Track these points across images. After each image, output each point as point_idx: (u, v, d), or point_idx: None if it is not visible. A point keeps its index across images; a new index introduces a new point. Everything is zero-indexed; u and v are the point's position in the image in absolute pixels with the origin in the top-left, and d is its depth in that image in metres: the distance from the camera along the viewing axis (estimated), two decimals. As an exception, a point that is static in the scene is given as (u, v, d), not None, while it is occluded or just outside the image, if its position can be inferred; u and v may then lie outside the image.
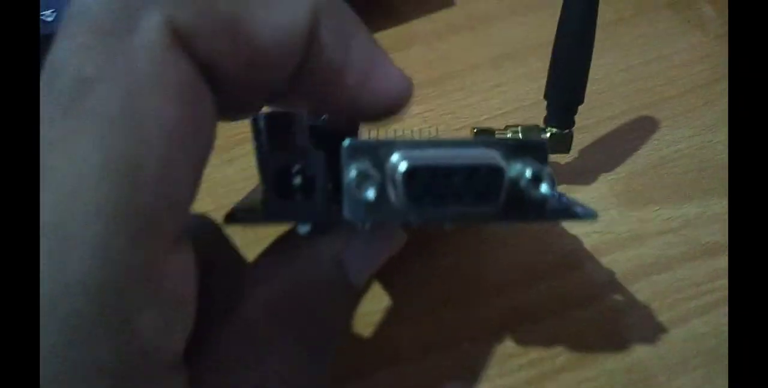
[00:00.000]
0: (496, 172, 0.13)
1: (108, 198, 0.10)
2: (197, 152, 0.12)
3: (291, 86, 0.13)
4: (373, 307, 0.22)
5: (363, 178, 0.13)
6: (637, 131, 0.28)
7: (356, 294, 0.16)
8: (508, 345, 0.21)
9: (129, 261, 0.11)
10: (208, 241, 0.16)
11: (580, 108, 0.23)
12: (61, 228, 0.10)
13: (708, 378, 0.21)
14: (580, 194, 0.25)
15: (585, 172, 0.26)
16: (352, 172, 0.13)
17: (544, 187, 0.13)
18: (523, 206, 0.14)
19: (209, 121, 0.12)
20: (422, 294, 0.22)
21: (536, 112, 0.24)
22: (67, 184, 0.10)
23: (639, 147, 0.27)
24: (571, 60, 0.22)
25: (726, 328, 0.22)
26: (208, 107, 0.12)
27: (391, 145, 0.13)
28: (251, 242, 0.17)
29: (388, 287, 0.23)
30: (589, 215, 0.15)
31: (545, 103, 0.23)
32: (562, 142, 0.23)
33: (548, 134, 0.23)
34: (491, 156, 0.13)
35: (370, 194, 0.13)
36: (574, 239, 0.24)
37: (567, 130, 0.23)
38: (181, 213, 0.12)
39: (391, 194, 0.13)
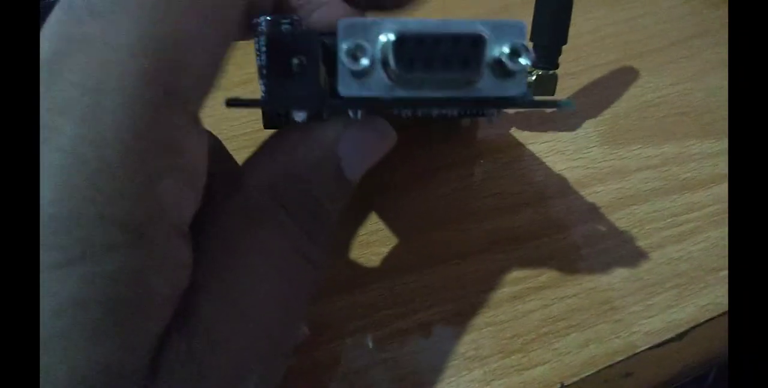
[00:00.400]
0: (478, 39, 0.14)
1: (142, 67, 0.11)
2: (224, 39, 0.13)
3: None
4: (368, 229, 0.24)
5: (356, 48, 0.14)
6: (621, 78, 0.29)
7: (349, 185, 0.16)
8: (495, 263, 0.23)
9: (155, 128, 0.12)
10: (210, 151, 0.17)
11: (569, 56, 0.24)
12: (96, 91, 0.11)
13: (680, 297, 0.22)
14: (565, 135, 0.27)
15: (571, 115, 0.28)
16: (346, 44, 0.14)
17: (522, 59, 0.14)
18: (505, 81, 0.15)
19: (239, 11, 0.13)
20: (414, 218, 0.24)
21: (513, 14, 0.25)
22: (106, 50, 0.11)
23: (623, 93, 0.28)
24: (555, 3, 0.23)
25: (698, 253, 0.23)
26: None
27: (382, 24, 0.14)
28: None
29: (383, 211, 0.24)
30: (567, 105, 0.16)
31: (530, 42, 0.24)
32: (548, 83, 0.24)
33: (533, 76, 0.24)
34: (475, 26, 0.14)
35: (364, 62, 0.14)
36: (559, 173, 0.25)
37: (552, 72, 0.24)
38: (203, 91, 0.13)
39: (381, 70, 0.14)
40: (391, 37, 0.14)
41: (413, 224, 0.24)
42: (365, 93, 0.14)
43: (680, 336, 0.21)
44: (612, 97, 0.28)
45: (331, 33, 0.15)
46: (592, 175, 0.25)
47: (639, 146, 0.26)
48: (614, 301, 0.22)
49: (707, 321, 0.22)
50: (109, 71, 0.11)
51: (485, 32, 0.14)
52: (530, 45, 0.23)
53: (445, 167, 0.25)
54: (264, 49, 0.15)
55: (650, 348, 0.21)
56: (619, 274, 0.23)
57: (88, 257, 0.11)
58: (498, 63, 0.14)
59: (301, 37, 0.15)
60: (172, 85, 0.12)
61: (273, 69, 0.15)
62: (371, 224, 0.24)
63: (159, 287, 0.12)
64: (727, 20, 0.32)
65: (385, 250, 0.23)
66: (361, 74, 0.14)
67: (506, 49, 0.14)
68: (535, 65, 0.24)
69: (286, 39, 0.15)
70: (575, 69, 0.29)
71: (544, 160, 0.26)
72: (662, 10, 0.33)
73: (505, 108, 0.16)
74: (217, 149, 0.18)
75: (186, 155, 0.12)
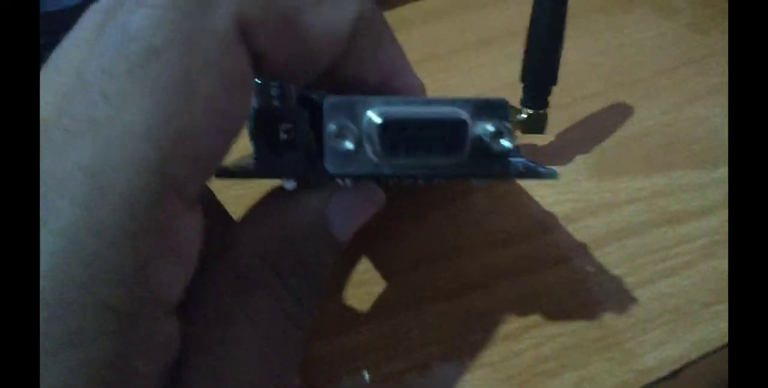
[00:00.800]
0: (461, 124, 0.15)
1: (148, 156, 0.11)
2: (231, 130, 0.13)
3: (326, 75, 0.15)
4: (360, 267, 0.23)
5: (342, 130, 0.14)
6: (609, 109, 0.29)
7: (338, 246, 0.17)
8: (487, 300, 0.23)
9: (153, 216, 0.12)
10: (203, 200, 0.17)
11: (557, 87, 0.25)
12: (99, 175, 0.11)
13: (672, 334, 0.22)
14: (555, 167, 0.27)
15: (560, 148, 0.28)
16: (332, 126, 0.14)
17: (504, 141, 0.15)
18: (488, 159, 0.15)
19: (246, 103, 0.13)
20: (405, 254, 0.24)
21: (515, 92, 0.25)
22: (114, 135, 0.11)
23: (611, 124, 0.29)
24: (543, 44, 0.24)
25: (689, 288, 0.23)
26: (248, 92, 0.13)
27: (367, 102, 0.14)
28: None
29: (372, 247, 0.24)
30: (550, 174, 0.17)
31: (521, 82, 0.25)
32: (537, 122, 0.25)
33: (524, 115, 0.24)
34: (456, 111, 0.15)
35: (348, 144, 0.14)
36: (549, 207, 0.25)
37: (542, 111, 0.25)
38: (204, 180, 0.13)
39: (367, 147, 0.14)
40: (376, 120, 0.14)
41: (405, 262, 0.24)
42: (352, 171, 0.15)
43: (674, 374, 0.21)
44: (600, 129, 0.28)
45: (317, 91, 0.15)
46: (583, 209, 0.25)
47: (628, 178, 0.26)
48: (606, 338, 0.22)
49: (701, 358, 0.22)
50: (113, 156, 0.11)
51: (466, 115, 0.14)
52: (522, 115, 0.24)
53: (436, 204, 0.25)
54: (253, 117, 0.15)
55: (644, 387, 0.21)
56: (611, 310, 0.23)
57: (77, 345, 0.11)
58: (481, 142, 0.15)
59: (289, 109, 0.15)
60: (173, 174, 0.12)
61: (261, 139, 0.15)
62: (363, 262, 0.24)
63: (145, 368, 0.12)
64: (714, 48, 0.32)
65: (378, 289, 0.23)
66: (347, 154, 0.14)
67: (489, 129, 0.14)
68: (524, 105, 0.24)
69: (274, 111, 0.15)
70: (562, 100, 0.29)
71: (534, 194, 0.26)
72: (648, 38, 0.33)
73: (490, 179, 0.16)
74: (208, 203, 0.18)
75: (180, 239, 0.12)
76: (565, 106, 0.29)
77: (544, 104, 0.24)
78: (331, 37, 0.14)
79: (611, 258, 0.24)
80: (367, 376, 0.21)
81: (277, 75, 0.14)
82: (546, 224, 0.25)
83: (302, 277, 0.15)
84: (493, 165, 0.15)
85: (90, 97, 0.12)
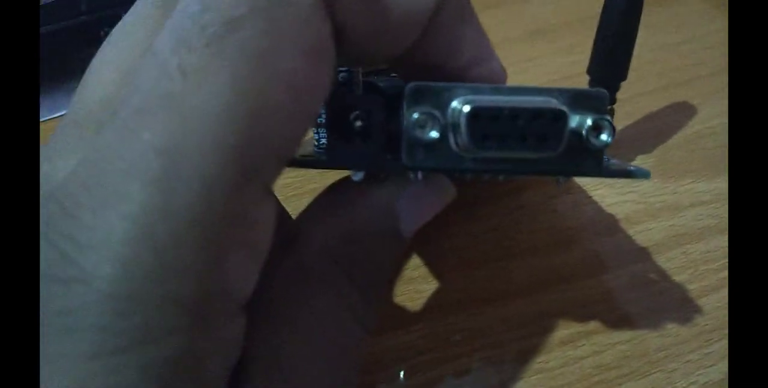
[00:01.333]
0: (560, 115, 0.13)
1: (227, 138, 0.10)
2: (313, 109, 0.12)
3: (405, 56, 0.14)
4: (410, 263, 0.22)
5: (426, 119, 0.13)
6: (669, 107, 0.28)
7: (403, 243, 0.16)
8: (542, 304, 0.22)
9: (231, 203, 0.11)
10: None
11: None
12: (175, 156, 0.10)
13: (738, 345, 0.21)
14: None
15: (619, 146, 0.26)
16: (415, 113, 0.13)
17: (604, 136, 0.14)
18: (582, 156, 0.14)
19: (328, 80, 0.12)
20: (456, 252, 0.23)
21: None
22: (191, 113, 0.10)
23: (672, 122, 0.27)
24: (617, 35, 0.22)
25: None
26: (332, 69, 0.12)
27: (453, 89, 0.13)
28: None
29: (423, 243, 0.23)
30: (643, 174, 0.15)
31: (577, 78, 0.23)
32: None
33: None
34: (553, 101, 0.13)
35: (433, 134, 0.13)
36: (609, 208, 0.24)
37: (610, 107, 0.23)
38: (282, 165, 0.12)
39: (451, 138, 0.13)
40: (465, 108, 0.13)
41: (455, 261, 0.23)
42: (431, 164, 0.13)
43: (741, 389, 0.20)
44: (660, 128, 0.27)
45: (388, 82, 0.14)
46: (644, 211, 0.24)
47: (691, 180, 0.25)
48: (669, 348, 0.21)
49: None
50: (189, 135, 0.10)
51: (565, 106, 0.13)
52: (611, 110, 0.22)
53: (491, 199, 0.24)
54: (325, 110, 0.14)
55: (710, 402, 0.20)
56: (674, 319, 0.21)
57: (147, 342, 0.10)
58: (576, 136, 0.13)
59: (364, 96, 0.14)
60: (252, 158, 0.11)
61: (333, 128, 0.14)
62: (414, 256, 0.23)
63: (215, 369, 0.11)
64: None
65: (427, 287, 0.22)
66: (428, 145, 0.13)
67: (588, 123, 0.13)
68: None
69: (348, 98, 0.14)
70: (619, 96, 0.28)
71: (593, 193, 0.24)
72: (707, 35, 0.31)
73: (579, 177, 0.15)
74: None
75: (256, 230, 0.11)
76: (623, 103, 0.28)
77: (612, 100, 0.22)
78: (415, 10, 0.13)
79: (674, 264, 0.23)
80: (402, 376, 0.20)
81: (355, 53, 0.13)
82: (604, 225, 0.24)
83: (369, 275, 0.14)
84: (587, 162, 0.14)
85: (165, 71, 0.11)
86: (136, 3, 0.14)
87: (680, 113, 0.28)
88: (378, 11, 0.12)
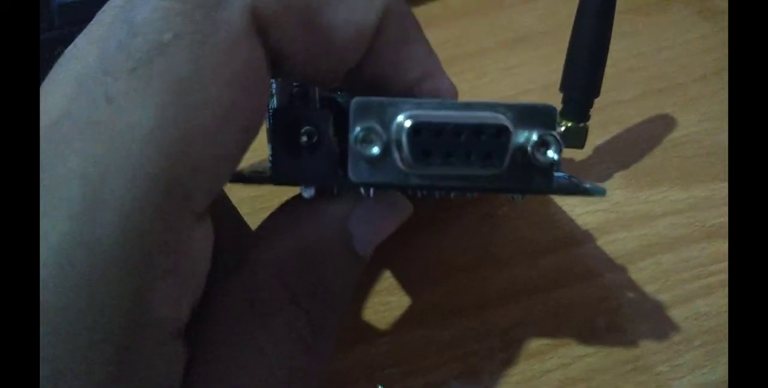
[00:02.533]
0: (503, 132, 0.13)
1: (151, 164, 0.10)
2: (245, 133, 0.12)
3: (352, 74, 0.14)
4: (375, 275, 0.22)
5: (368, 134, 0.13)
6: (647, 115, 0.28)
7: (360, 262, 0.15)
8: (512, 316, 0.21)
9: (156, 231, 0.11)
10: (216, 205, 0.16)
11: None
12: (98, 183, 0.10)
13: (710, 357, 0.21)
14: (586, 173, 0.25)
15: (593, 153, 0.26)
16: (358, 129, 0.13)
17: (550, 152, 0.13)
18: (530, 172, 0.14)
19: (262, 106, 0.12)
20: (424, 263, 0.23)
21: (546, 96, 0.24)
22: (115, 140, 0.10)
23: (648, 130, 0.27)
24: (588, 54, 0.22)
25: (727, 309, 0.22)
26: (265, 92, 0.12)
27: (398, 105, 0.13)
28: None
29: (390, 254, 0.23)
30: (598, 191, 0.15)
31: (556, 87, 0.23)
32: (578, 136, 0.23)
33: (563, 128, 0.23)
34: (497, 116, 0.13)
35: (375, 150, 0.13)
36: (580, 217, 0.24)
37: (582, 124, 0.23)
38: (213, 192, 0.12)
39: (396, 154, 0.13)
40: (406, 123, 0.13)
41: (424, 271, 0.23)
42: (377, 179, 0.13)
43: (710, 402, 0.20)
44: (636, 135, 0.27)
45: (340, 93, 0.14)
46: (616, 220, 0.24)
47: (665, 189, 0.25)
48: (638, 360, 0.21)
49: (739, 385, 0.20)
50: (114, 163, 0.10)
51: (509, 122, 0.13)
52: (561, 128, 0.22)
53: (459, 209, 0.24)
54: (271, 125, 0.14)
55: (677, 415, 0.20)
56: (643, 330, 0.21)
57: (67, 377, 0.10)
58: (522, 153, 0.13)
59: (311, 110, 0.14)
60: (179, 183, 0.11)
61: (278, 143, 0.13)
62: (379, 268, 0.23)
63: None
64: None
65: (393, 299, 0.22)
66: (372, 160, 0.13)
67: (534, 138, 0.13)
68: (564, 118, 0.23)
69: (295, 112, 0.14)
70: (598, 104, 0.28)
71: (563, 203, 0.24)
72: (686, 43, 0.31)
73: (529, 194, 0.14)
74: (219, 205, 0.17)
75: (186, 257, 0.11)
76: (599, 111, 0.27)
77: (586, 117, 0.22)
78: (355, 32, 0.13)
79: (645, 274, 0.23)
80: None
81: (296, 74, 0.13)
82: (575, 236, 0.24)
83: (322, 300, 0.14)
84: (535, 179, 0.14)
85: (92, 98, 0.11)
86: (89, 24, 0.14)
87: (656, 121, 0.27)
88: (316, 35, 0.12)
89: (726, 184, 0.25)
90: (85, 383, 0.10)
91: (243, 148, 0.12)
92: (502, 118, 0.13)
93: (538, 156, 0.13)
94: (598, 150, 0.26)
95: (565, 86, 0.23)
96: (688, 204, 0.25)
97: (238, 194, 0.18)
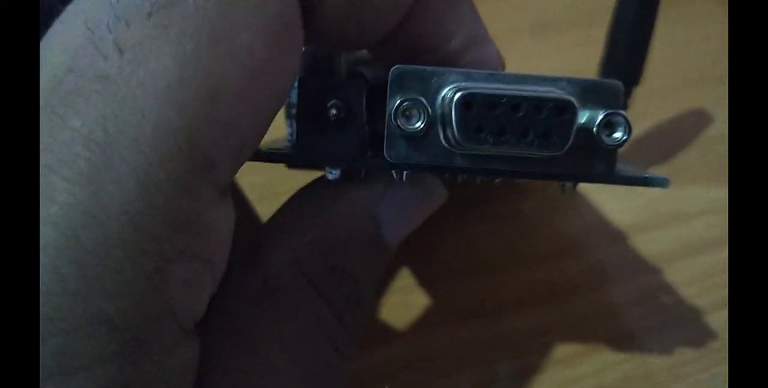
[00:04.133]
0: (568, 107, 0.12)
1: (170, 126, 0.09)
2: (276, 96, 0.10)
3: (389, 39, 0.12)
4: (394, 272, 0.21)
5: (410, 107, 0.11)
6: (682, 108, 0.26)
7: (390, 251, 0.14)
8: (538, 319, 0.20)
9: (175, 204, 0.09)
10: None
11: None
12: (106, 147, 0.09)
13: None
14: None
15: (627, 148, 0.25)
16: (398, 100, 0.11)
17: (618, 134, 0.12)
18: (591, 157, 0.12)
19: (295, 64, 0.11)
20: (447, 262, 0.21)
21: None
22: (126, 97, 0.09)
23: (683, 124, 0.26)
24: (631, 39, 0.21)
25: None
26: (298, 50, 0.11)
27: (445, 74, 0.12)
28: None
29: (411, 252, 0.21)
30: (660, 182, 0.14)
31: (585, 75, 0.22)
32: None
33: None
34: (560, 87, 0.12)
35: (418, 124, 0.11)
36: (613, 214, 0.23)
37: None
38: (240, 161, 0.10)
39: (440, 131, 0.12)
40: (456, 96, 0.11)
41: (445, 269, 0.21)
42: (417, 160, 0.12)
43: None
44: (671, 130, 0.25)
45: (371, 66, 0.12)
46: (650, 219, 0.22)
47: (701, 187, 0.24)
48: (675, 368, 0.19)
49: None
50: (125, 122, 0.09)
51: (573, 97, 0.11)
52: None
53: (485, 202, 0.22)
54: (297, 91, 0.12)
55: (718, 429, 0.18)
56: (680, 336, 0.20)
57: (68, 373, 0.08)
58: (585, 134, 0.12)
59: (341, 82, 0.12)
60: (203, 150, 0.09)
61: (304, 118, 0.12)
62: (398, 265, 0.21)
63: None
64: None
65: (412, 298, 0.20)
66: (413, 138, 0.12)
67: (599, 119, 0.12)
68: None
69: (322, 84, 0.12)
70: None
71: (595, 198, 0.23)
72: (719, 35, 0.30)
73: (587, 182, 0.13)
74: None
75: (207, 237, 0.10)
76: (631, 102, 0.26)
77: (624, 106, 0.21)
78: None
79: (681, 276, 0.21)
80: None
81: (330, 35, 0.12)
82: (607, 234, 0.22)
83: (347, 293, 0.13)
84: (598, 164, 0.12)
85: (101, 49, 0.09)
86: None
87: (693, 115, 0.26)
88: None
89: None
90: (89, 382, 0.09)
91: (273, 113, 0.11)
92: (566, 93, 0.12)
93: (605, 138, 0.12)
94: (631, 143, 0.25)
95: (603, 72, 0.21)
96: (725, 203, 0.23)
97: (243, 180, 0.17)
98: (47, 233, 0.08)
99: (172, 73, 0.09)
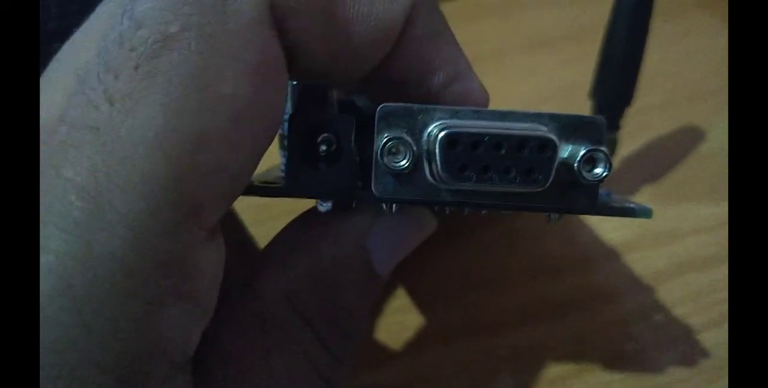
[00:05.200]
0: (548, 145, 0.12)
1: (158, 173, 0.09)
2: (262, 137, 0.11)
3: (375, 75, 0.13)
4: (389, 292, 0.21)
5: (396, 145, 0.12)
6: (675, 125, 0.26)
7: (379, 283, 0.14)
8: (532, 338, 0.20)
9: (164, 249, 0.09)
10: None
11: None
12: (97, 196, 0.09)
13: (741, 386, 0.19)
14: (613, 186, 0.24)
15: (619, 166, 0.25)
16: (385, 138, 0.12)
17: (599, 169, 0.12)
18: (573, 191, 0.12)
19: (279, 107, 0.11)
20: (441, 281, 0.21)
21: (569, 101, 0.23)
22: (116, 146, 0.09)
23: (676, 141, 0.26)
24: (623, 59, 0.21)
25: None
26: (282, 92, 0.11)
27: (430, 112, 0.12)
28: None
29: (405, 271, 0.21)
30: (644, 213, 0.14)
31: (579, 91, 0.22)
32: (608, 147, 0.22)
33: None
34: (541, 128, 0.12)
35: (403, 163, 0.12)
36: (605, 233, 0.23)
37: (612, 135, 0.22)
38: (227, 202, 0.11)
39: (426, 167, 0.12)
40: (440, 134, 0.11)
41: (440, 289, 0.21)
42: (404, 195, 0.12)
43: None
44: (663, 147, 0.26)
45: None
46: (643, 237, 0.23)
47: (694, 204, 0.24)
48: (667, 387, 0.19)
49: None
50: (115, 171, 0.09)
51: (554, 134, 0.12)
52: (613, 139, 0.21)
53: (480, 222, 0.23)
54: (287, 126, 0.12)
55: (709, 450, 0.18)
56: (672, 356, 0.20)
57: None
58: (567, 168, 0.12)
59: (331, 117, 0.12)
60: (190, 195, 0.09)
61: (294, 151, 0.12)
62: (393, 286, 0.21)
63: None
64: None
65: (407, 319, 0.20)
66: (400, 174, 0.12)
67: (580, 154, 0.12)
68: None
69: (313, 118, 0.12)
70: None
71: (587, 218, 0.23)
72: (716, 50, 0.30)
73: (569, 214, 0.13)
74: (230, 224, 0.15)
75: (196, 277, 0.10)
76: (624, 119, 0.26)
77: (616, 126, 0.21)
78: (380, 27, 0.12)
79: (673, 296, 0.21)
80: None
81: (315, 74, 0.12)
82: (600, 253, 0.22)
83: (338, 325, 0.13)
84: (579, 198, 0.12)
85: (91, 99, 0.09)
86: (89, 16, 0.13)
87: (686, 131, 0.26)
88: (336, 28, 0.11)
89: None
90: None
91: (259, 154, 0.11)
92: (546, 130, 0.12)
93: (585, 174, 0.12)
94: (624, 161, 0.25)
95: (596, 93, 0.21)
96: (718, 221, 0.23)
97: (240, 203, 0.17)
98: (48, 282, 0.09)
99: (160, 121, 0.09)
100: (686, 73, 0.29)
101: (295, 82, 0.14)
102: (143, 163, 0.09)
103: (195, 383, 0.11)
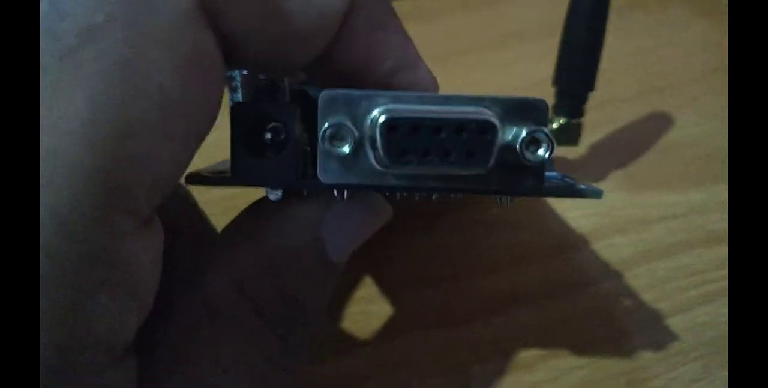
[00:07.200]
0: (488, 128, 0.12)
1: (84, 163, 0.09)
2: (194, 129, 0.11)
3: (319, 64, 0.13)
4: (354, 281, 0.21)
5: (338, 130, 0.12)
6: (644, 114, 0.27)
7: (335, 271, 0.14)
8: (500, 326, 0.20)
9: (93, 237, 0.09)
10: (175, 206, 0.15)
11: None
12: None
13: (707, 370, 0.20)
14: (581, 173, 0.24)
15: (588, 154, 0.25)
16: (326, 125, 0.12)
17: (541, 151, 0.12)
18: (518, 173, 0.13)
19: (214, 98, 0.11)
20: (407, 269, 0.22)
21: (541, 92, 0.23)
22: (45, 137, 0.09)
23: (646, 130, 0.26)
24: (583, 45, 0.21)
25: (727, 318, 0.21)
26: (217, 83, 0.11)
27: (372, 98, 0.12)
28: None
29: (371, 259, 0.22)
30: (594, 193, 0.14)
31: (550, 83, 0.22)
32: (571, 133, 0.22)
33: (556, 124, 0.22)
34: (483, 111, 0.12)
35: (345, 148, 0.12)
36: (573, 221, 0.23)
37: (576, 120, 0.22)
38: (159, 193, 0.11)
39: (369, 153, 0.12)
40: (381, 118, 0.12)
41: (408, 278, 0.21)
42: (350, 180, 0.12)
43: (708, 418, 0.19)
44: (632, 136, 0.26)
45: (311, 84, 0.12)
46: (611, 225, 0.23)
47: (661, 192, 0.24)
48: (632, 373, 0.20)
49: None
50: (42, 162, 0.09)
51: (495, 117, 0.12)
52: (554, 124, 0.21)
53: (444, 212, 0.23)
54: (232, 120, 0.13)
55: (674, 433, 0.19)
56: (638, 341, 0.20)
57: None
58: (510, 150, 0.12)
59: (277, 105, 0.12)
60: (118, 184, 0.09)
61: (241, 141, 0.12)
62: (359, 274, 0.21)
63: None
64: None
65: (376, 308, 0.21)
66: (344, 159, 0.12)
67: (522, 136, 0.12)
68: (558, 114, 0.22)
69: (259, 107, 0.12)
70: (592, 104, 0.27)
71: (555, 206, 0.23)
72: (685, 41, 0.30)
73: (517, 196, 0.14)
74: (183, 203, 0.16)
75: (129, 266, 0.10)
76: (594, 108, 0.26)
77: (580, 113, 0.21)
78: (318, 16, 0.11)
79: (640, 282, 0.21)
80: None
81: (255, 63, 0.12)
82: (568, 241, 0.22)
83: (290, 315, 0.13)
84: (525, 180, 0.12)
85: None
86: None
87: (652, 122, 0.26)
88: (273, 20, 0.11)
89: (726, 187, 0.24)
90: None
91: (193, 145, 0.11)
92: (487, 113, 0.12)
93: (528, 155, 0.12)
94: (593, 148, 0.25)
95: (558, 80, 0.21)
96: (685, 208, 0.23)
97: (206, 195, 0.17)
98: None
99: (84, 113, 0.09)
100: (658, 63, 0.29)
101: (245, 72, 0.14)
102: (68, 154, 0.09)
103: (141, 373, 0.11)
